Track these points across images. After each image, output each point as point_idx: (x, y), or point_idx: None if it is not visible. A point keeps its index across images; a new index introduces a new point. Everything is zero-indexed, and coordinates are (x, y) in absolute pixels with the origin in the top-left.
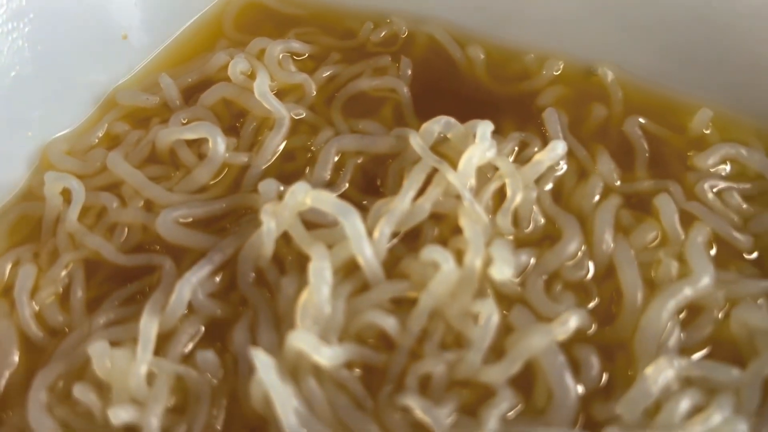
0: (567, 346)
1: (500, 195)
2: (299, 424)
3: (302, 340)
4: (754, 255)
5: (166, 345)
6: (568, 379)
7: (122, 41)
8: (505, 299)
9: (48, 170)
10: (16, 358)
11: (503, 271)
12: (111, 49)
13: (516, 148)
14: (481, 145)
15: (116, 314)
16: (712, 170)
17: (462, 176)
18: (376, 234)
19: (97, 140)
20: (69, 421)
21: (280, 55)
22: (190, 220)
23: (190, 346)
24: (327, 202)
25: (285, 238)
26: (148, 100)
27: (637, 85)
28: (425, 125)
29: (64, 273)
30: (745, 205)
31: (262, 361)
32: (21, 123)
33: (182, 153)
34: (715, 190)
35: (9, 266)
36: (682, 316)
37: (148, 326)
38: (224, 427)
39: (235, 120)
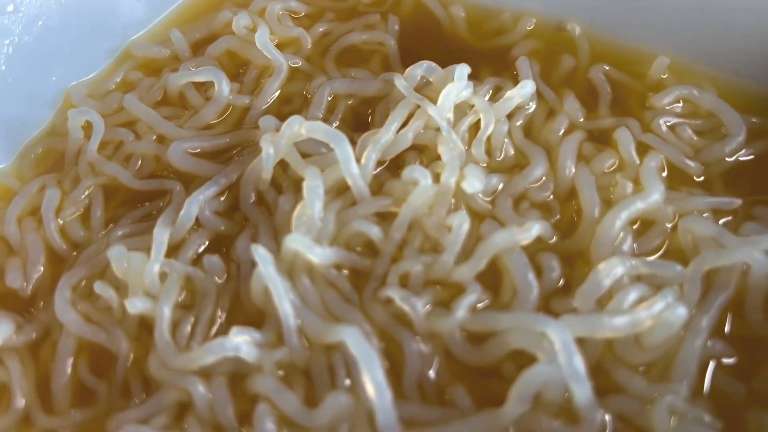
0: (532, 255)
1: (475, 130)
2: (294, 315)
3: (297, 242)
4: (702, 179)
5: (176, 253)
6: (531, 277)
7: (137, 2)
8: (477, 216)
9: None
10: (42, 267)
11: (474, 184)
12: (127, 7)
13: (490, 91)
14: (458, 83)
15: (131, 229)
16: (667, 108)
17: (441, 110)
18: (363, 159)
19: (114, 86)
20: (90, 314)
21: (280, 12)
22: (198, 151)
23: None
24: (319, 130)
25: (282, 166)
26: (160, 52)
27: (602, 39)
28: (409, 69)
29: (84, 195)
30: (696, 138)
31: (262, 256)
32: (46, 69)
33: (190, 95)
34: (668, 124)
35: (35, 190)
36: (635, 227)
37: (160, 233)
38: (227, 321)
39: (238, 69)
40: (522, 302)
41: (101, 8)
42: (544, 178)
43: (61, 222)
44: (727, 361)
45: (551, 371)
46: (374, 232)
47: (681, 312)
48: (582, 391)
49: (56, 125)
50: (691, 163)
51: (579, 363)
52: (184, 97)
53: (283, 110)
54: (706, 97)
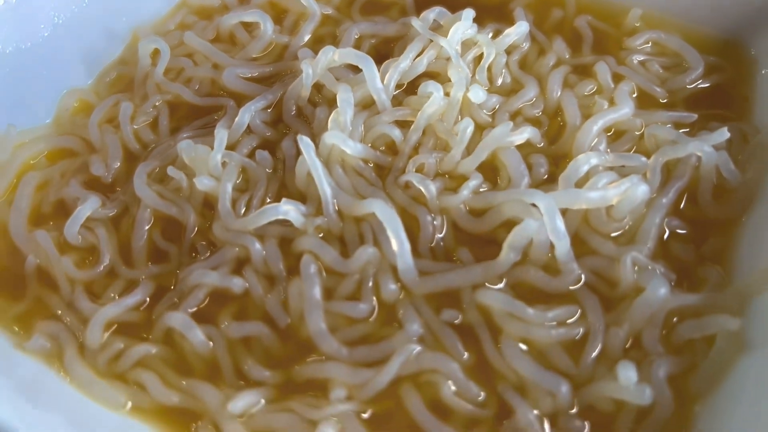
0: (524, 157)
1: (479, 63)
2: (331, 195)
3: (334, 137)
4: (666, 101)
5: (234, 150)
6: (523, 167)
7: None
8: (480, 127)
9: (137, 45)
10: (120, 161)
11: (478, 94)
12: None
13: (491, 33)
14: (465, 21)
15: (194, 133)
16: (638, 48)
17: (450, 42)
18: (385, 80)
19: (173, 26)
20: (162, 193)
21: None
22: (248, 76)
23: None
24: (350, 54)
25: (316, 88)
26: (212, 0)
27: None
28: (423, 13)
29: (152, 108)
30: (662, 71)
31: (306, 143)
32: (118, 11)
33: (239, 33)
34: (639, 60)
35: (111, 104)
36: (609, 134)
37: (221, 132)
38: (275, 202)
39: (278, 15)
40: (515, 187)
41: None
42: (535, 98)
43: (135, 127)
44: (681, 232)
45: (538, 226)
46: (396, 134)
47: (643, 189)
48: (562, 245)
49: (126, 57)
50: (658, 89)
51: (560, 223)
52: (234, 35)
53: (316, 48)
54: (671, 40)
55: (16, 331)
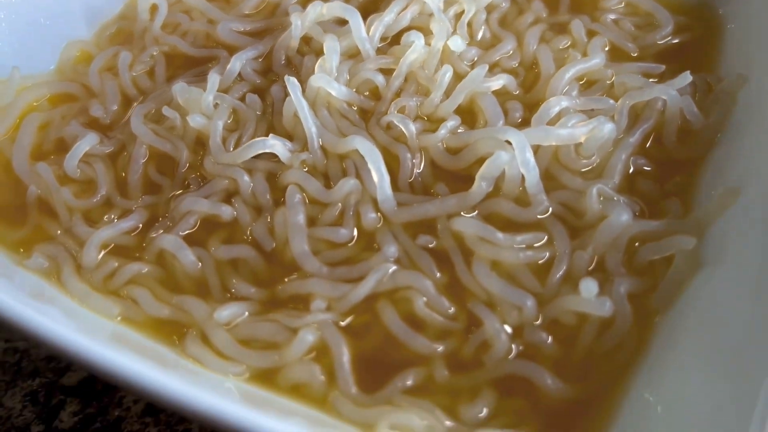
0: (500, 103)
1: (459, 19)
2: (317, 133)
3: (320, 79)
4: (636, 55)
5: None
6: (498, 110)
7: None
8: (459, 77)
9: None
10: (117, 105)
11: (457, 42)
12: None
13: None
14: None
15: (189, 80)
16: (612, 8)
17: None
18: (370, 31)
19: None
20: (157, 131)
21: None
22: (241, 30)
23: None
24: (337, 8)
25: (305, 41)
26: None
27: None
28: None
29: (149, 57)
30: (634, 30)
31: (293, 83)
32: None
33: None
34: (612, 18)
35: (111, 54)
36: (581, 83)
37: (213, 77)
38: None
39: None
40: (492, 126)
41: None
42: (512, 51)
43: (133, 74)
44: (647, 169)
45: (509, 158)
46: (379, 80)
47: (609, 127)
48: (531, 176)
49: (125, 13)
50: (630, 45)
51: (530, 155)
52: None
53: (305, 5)
54: (644, 1)
55: (19, 252)
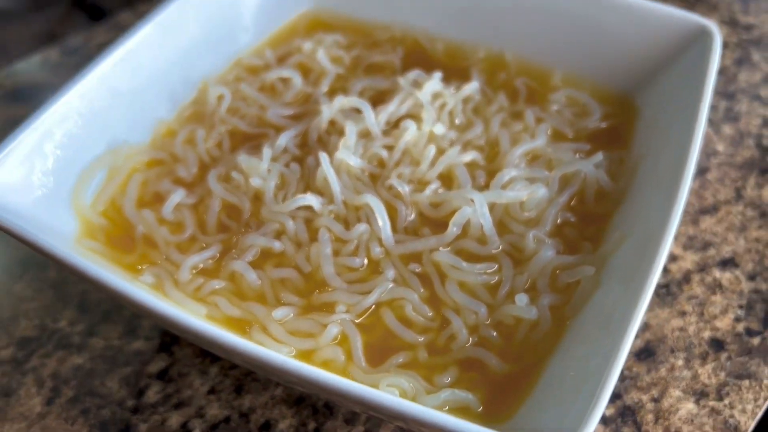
0: (469, 170)
1: (442, 109)
2: (340, 192)
3: (343, 153)
4: (571, 137)
5: (274, 162)
6: (467, 176)
7: (245, 32)
8: (440, 152)
9: (206, 91)
10: (196, 169)
11: (440, 129)
12: (241, 34)
13: (453, 88)
14: (434, 81)
15: (248, 151)
16: (557, 101)
17: (424, 94)
18: (378, 118)
19: (231, 79)
20: (227, 188)
21: (330, 41)
22: (285, 115)
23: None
24: (354, 101)
25: (331, 124)
26: (258, 61)
27: (525, 61)
28: (406, 74)
29: (218, 135)
30: (572, 117)
31: (324, 158)
32: (193, 66)
33: (278, 85)
34: (556, 109)
35: (189, 130)
36: (528, 157)
37: (267, 151)
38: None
39: (304, 72)
40: (461, 188)
41: (224, 37)
42: (480, 133)
43: (206, 147)
44: (571, 220)
45: (471, 211)
46: (384, 154)
47: (543, 191)
48: (487, 224)
49: (197, 99)
50: (567, 129)
51: (486, 210)
52: (274, 86)
53: (331, 96)
54: (581, 95)
55: (136, 270)
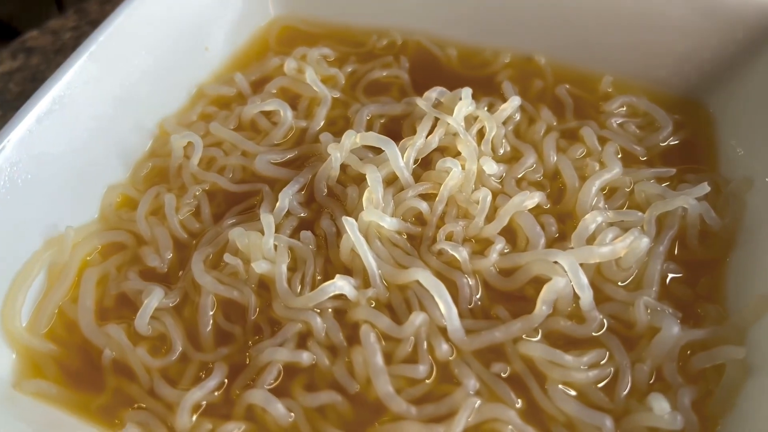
0: (535, 217)
1: (479, 135)
2: (377, 267)
3: (372, 214)
4: (645, 158)
5: (277, 233)
6: (538, 229)
7: (205, 51)
8: (493, 194)
9: (165, 137)
10: (171, 252)
11: (491, 166)
12: (199, 57)
13: (486, 107)
14: (465, 100)
15: (237, 219)
16: (615, 111)
17: (456, 120)
18: (404, 157)
19: (196, 117)
20: (220, 278)
21: (317, 57)
22: (277, 161)
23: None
24: (371, 137)
25: (342, 169)
26: (227, 90)
27: (562, 65)
28: (426, 93)
29: (193, 198)
30: (638, 131)
31: (350, 223)
32: (143, 106)
33: (261, 122)
34: (617, 123)
35: (152, 196)
36: (604, 192)
37: (267, 217)
38: (323, 277)
39: (291, 101)
40: (534, 247)
41: (180, 61)
42: (534, 164)
43: (180, 218)
44: (677, 275)
45: (565, 282)
46: (423, 206)
47: (645, 241)
48: (586, 297)
49: (155, 149)
50: (637, 148)
51: (583, 277)
52: (256, 123)
53: (331, 129)
54: (641, 102)
55: (107, 423)
